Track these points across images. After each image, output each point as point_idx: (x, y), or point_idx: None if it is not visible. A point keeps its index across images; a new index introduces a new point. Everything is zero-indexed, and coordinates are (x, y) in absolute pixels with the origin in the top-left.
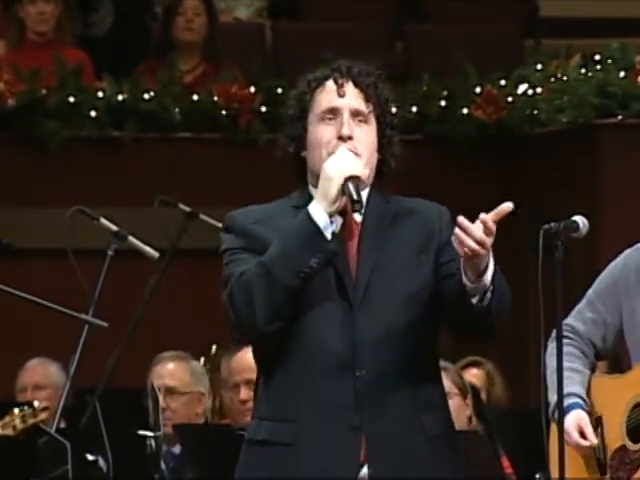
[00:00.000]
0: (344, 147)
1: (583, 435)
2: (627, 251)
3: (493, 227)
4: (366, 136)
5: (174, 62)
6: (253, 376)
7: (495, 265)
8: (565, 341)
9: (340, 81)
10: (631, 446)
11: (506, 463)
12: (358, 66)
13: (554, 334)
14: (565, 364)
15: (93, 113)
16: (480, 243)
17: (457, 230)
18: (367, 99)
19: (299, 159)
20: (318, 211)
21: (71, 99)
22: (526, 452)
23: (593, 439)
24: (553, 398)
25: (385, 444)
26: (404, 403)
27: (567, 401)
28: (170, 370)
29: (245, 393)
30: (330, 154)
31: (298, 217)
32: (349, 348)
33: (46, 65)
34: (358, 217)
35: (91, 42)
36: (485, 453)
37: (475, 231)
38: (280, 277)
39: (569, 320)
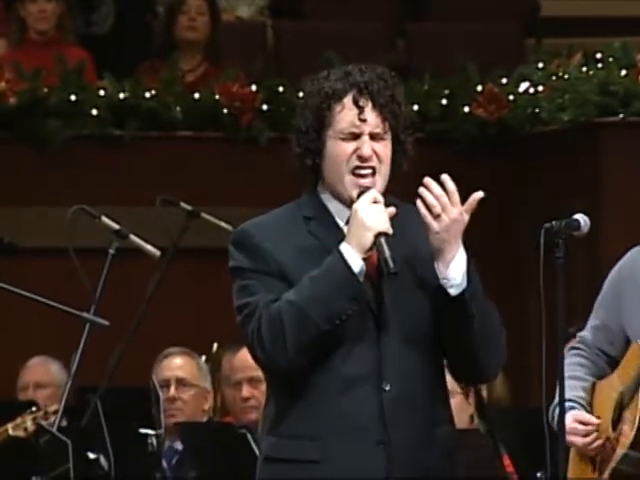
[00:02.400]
0: (373, 192)
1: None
2: (627, 254)
3: (453, 191)
4: (383, 150)
5: (176, 61)
6: (255, 374)
7: (471, 265)
8: (574, 352)
9: (360, 103)
10: (611, 435)
11: (507, 462)
12: (375, 78)
13: (570, 349)
14: (569, 373)
15: (94, 112)
16: (442, 206)
17: (421, 189)
18: (385, 119)
19: (314, 165)
20: (353, 257)
21: (72, 98)
22: (527, 451)
23: (593, 420)
24: (552, 405)
25: (406, 458)
26: (423, 417)
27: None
28: (180, 363)
29: (247, 390)
30: (349, 171)
31: (330, 258)
32: (375, 362)
33: (47, 64)
34: None
35: (92, 41)
36: (486, 452)
37: (436, 187)
38: (315, 322)
39: (582, 332)
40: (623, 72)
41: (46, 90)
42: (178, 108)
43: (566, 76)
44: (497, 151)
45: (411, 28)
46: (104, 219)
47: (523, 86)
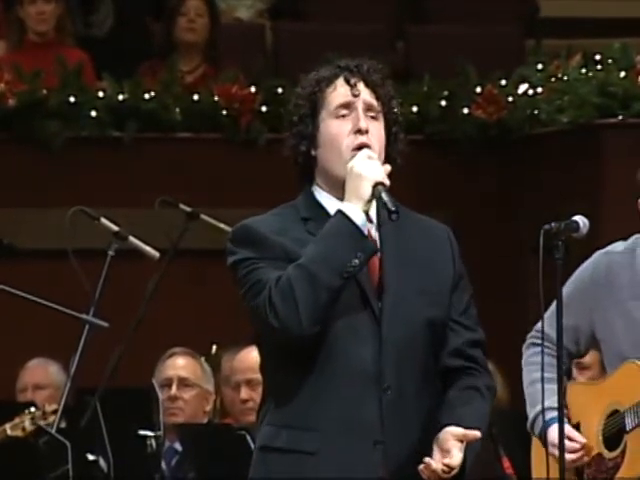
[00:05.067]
0: (367, 151)
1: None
2: (596, 254)
3: (457, 462)
4: (377, 131)
5: (175, 62)
6: (255, 376)
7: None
8: (538, 350)
9: (352, 80)
10: (607, 454)
11: (507, 464)
12: (365, 63)
13: (528, 341)
14: (542, 374)
15: (94, 113)
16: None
17: (422, 468)
18: (377, 97)
19: (308, 158)
20: (354, 210)
21: (72, 99)
22: (526, 453)
23: (581, 439)
24: (532, 411)
25: (402, 460)
26: (422, 418)
27: (547, 415)
28: (183, 363)
29: (246, 393)
30: (350, 147)
31: (332, 218)
32: (375, 361)
33: (47, 65)
34: (370, 227)
35: (91, 42)
36: (486, 454)
37: (440, 475)
38: (323, 278)
39: (541, 326)
40: (622, 73)
41: (45, 91)
42: (177, 109)
43: (565, 77)
44: (496, 152)
45: (410, 30)
46: (103, 220)
47: (522, 87)
